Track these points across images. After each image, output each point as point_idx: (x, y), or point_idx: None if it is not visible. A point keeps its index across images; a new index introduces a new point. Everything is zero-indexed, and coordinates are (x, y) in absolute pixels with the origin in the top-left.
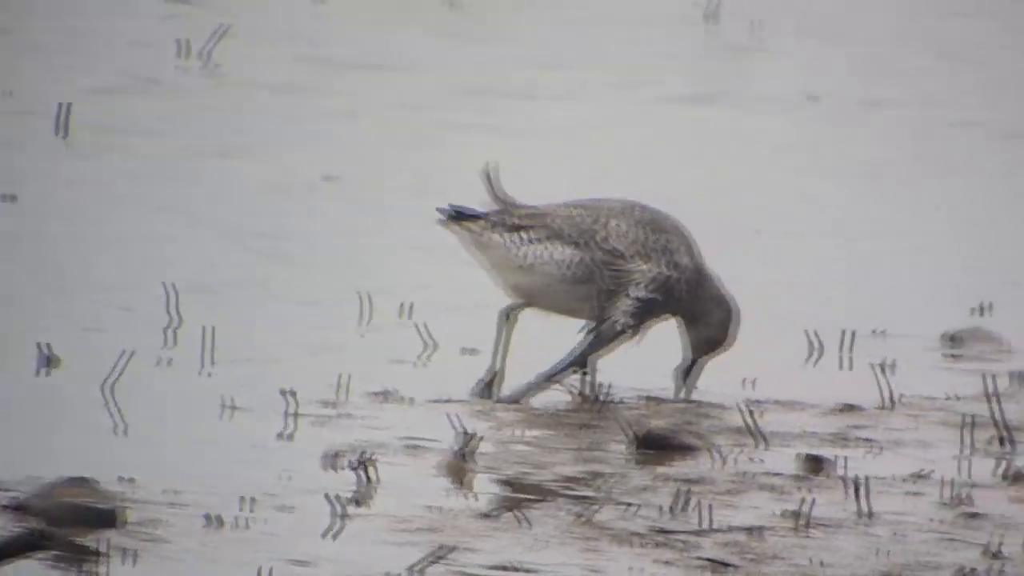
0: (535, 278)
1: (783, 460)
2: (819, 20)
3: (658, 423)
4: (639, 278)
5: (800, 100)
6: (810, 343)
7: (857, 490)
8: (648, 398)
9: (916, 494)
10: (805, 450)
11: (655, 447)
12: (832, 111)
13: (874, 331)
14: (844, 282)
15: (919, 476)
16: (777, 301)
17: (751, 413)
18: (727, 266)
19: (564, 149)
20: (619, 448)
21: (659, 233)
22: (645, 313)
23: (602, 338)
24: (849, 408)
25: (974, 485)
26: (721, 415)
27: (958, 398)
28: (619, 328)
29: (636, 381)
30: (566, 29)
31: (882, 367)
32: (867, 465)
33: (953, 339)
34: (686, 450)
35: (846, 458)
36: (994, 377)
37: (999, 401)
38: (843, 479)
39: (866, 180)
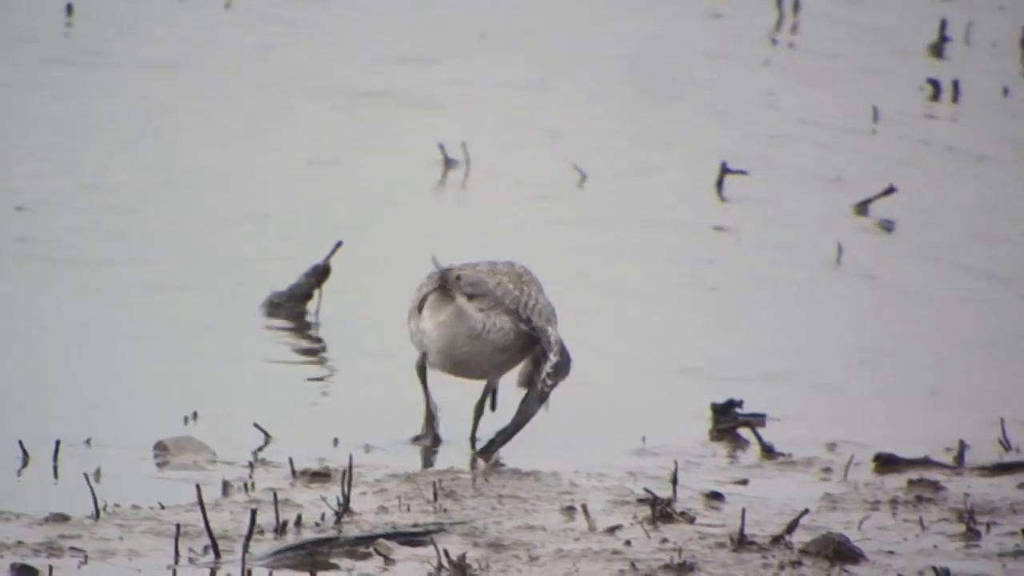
0: (479, 346)
1: None
2: None
3: None
4: (553, 343)
5: None
6: (24, 452)
7: None
8: None
9: None
10: (16, 560)
11: None
12: None
13: (86, 440)
14: (55, 393)
15: None
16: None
17: None
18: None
19: None
20: None
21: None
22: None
23: (543, 400)
24: (59, 518)
25: None
26: None
27: (163, 507)
28: (548, 390)
29: None
30: None
31: (92, 476)
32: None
33: (163, 447)
34: None
35: (51, 567)
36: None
37: (204, 510)
38: None
39: None
